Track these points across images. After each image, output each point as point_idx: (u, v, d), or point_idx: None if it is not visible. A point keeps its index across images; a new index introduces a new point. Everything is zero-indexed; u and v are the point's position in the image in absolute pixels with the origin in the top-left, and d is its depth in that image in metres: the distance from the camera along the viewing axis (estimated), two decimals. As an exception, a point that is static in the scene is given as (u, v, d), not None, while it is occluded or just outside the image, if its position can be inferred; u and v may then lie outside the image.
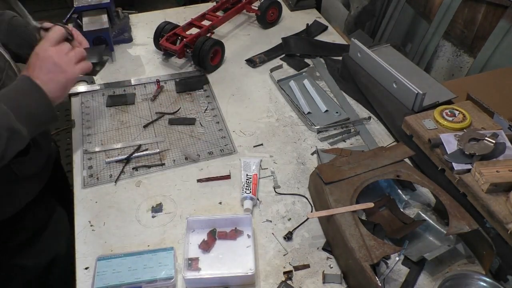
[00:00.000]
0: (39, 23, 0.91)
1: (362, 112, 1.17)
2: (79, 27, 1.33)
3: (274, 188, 0.96)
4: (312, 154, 1.05)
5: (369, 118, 1.14)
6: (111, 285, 0.75)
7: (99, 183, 0.96)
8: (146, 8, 1.73)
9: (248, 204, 0.90)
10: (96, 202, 0.92)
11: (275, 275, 0.80)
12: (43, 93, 0.78)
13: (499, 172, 0.78)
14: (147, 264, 0.78)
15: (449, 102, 1.03)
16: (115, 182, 0.97)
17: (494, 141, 0.84)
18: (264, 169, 1.01)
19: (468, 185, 0.81)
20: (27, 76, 0.78)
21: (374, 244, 0.73)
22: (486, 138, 0.85)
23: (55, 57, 0.81)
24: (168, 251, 0.81)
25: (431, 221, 0.86)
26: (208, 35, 1.33)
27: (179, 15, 1.58)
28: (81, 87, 1.23)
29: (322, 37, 1.48)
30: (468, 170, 0.83)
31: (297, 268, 0.80)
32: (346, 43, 1.45)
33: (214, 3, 1.48)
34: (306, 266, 0.81)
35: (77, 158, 1.03)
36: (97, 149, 1.04)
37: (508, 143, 0.86)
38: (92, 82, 1.25)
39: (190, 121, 1.12)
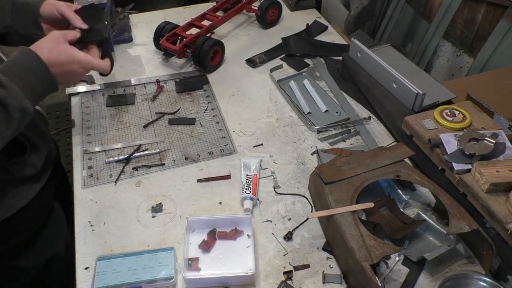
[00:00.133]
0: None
1: (362, 112, 1.17)
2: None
3: (274, 188, 0.96)
4: (312, 154, 1.05)
5: (369, 118, 1.14)
6: (111, 285, 0.75)
7: (99, 183, 0.96)
8: (146, 8, 1.73)
9: (248, 204, 0.90)
10: (96, 202, 0.93)
11: (275, 275, 0.80)
12: (48, 70, 0.80)
13: (499, 172, 0.78)
14: (147, 264, 0.78)
15: (449, 102, 1.03)
16: (115, 182, 0.97)
17: (494, 141, 0.84)
18: (264, 169, 1.01)
19: (468, 185, 0.81)
20: (32, 51, 0.79)
21: (374, 244, 0.73)
22: (486, 138, 0.85)
23: (74, 59, 0.84)
24: (168, 251, 0.81)
25: (431, 221, 0.86)
26: (208, 35, 1.33)
27: (179, 15, 1.58)
28: (81, 87, 1.23)
29: (322, 37, 1.48)
30: (468, 170, 0.83)
31: (297, 268, 0.80)
32: (346, 43, 1.45)
33: (214, 3, 1.48)
34: (306, 266, 0.81)
35: (77, 158, 1.03)
36: (97, 149, 1.04)
37: (508, 143, 0.86)
38: (92, 82, 1.25)
39: (190, 121, 1.12)
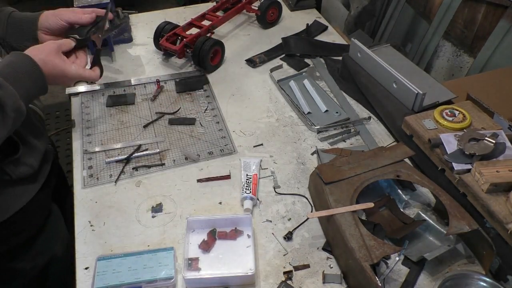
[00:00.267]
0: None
1: (362, 112, 1.17)
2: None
3: (274, 188, 0.96)
4: (312, 154, 1.05)
5: (369, 118, 1.14)
6: (111, 285, 0.75)
7: (99, 183, 0.96)
8: (146, 8, 1.73)
9: (248, 204, 0.90)
10: (96, 202, 0.93)
11: (275, 275, 0.80)
12: (42, 73, 0.83)
13: (499, 172, 0.78)
14: (147, 264, 0.78)
15: (449, 102, 1.03)
16: (115, 182, 0.97)
17: (494, 141, 0.84)
18: (264, 169, 1.01)
19: (468, 185, 0.81)
20: (27, 55, 0.82)
21: (374, 244, 0.73)
22: (486, 138, 0.85)
23: (65, 73, 0.90)
24: (168, 251, 0.81)
25: (431, 221, 0.86)
26: (208, 35, 1.33)
27: (179, 15, 1.58)
28: (81, 87, 1.22)
29: (322, 37, 1.48)
30: (468, 170, 0.83)
31: (297, 268, 0.80)
32: (346, 43, 1.45)
33: (214, 3, 1.47)
34: (306, 266, 0.81)
35: (77, 158, 1.03)
36: (97, 149, 1.04)
37: (508, 143, 0.86)
38: (92, 82, 1.25)
39: (190, 121, 1.12)
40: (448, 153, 0.86)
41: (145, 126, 1.11)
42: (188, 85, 1.25)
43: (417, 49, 1.59)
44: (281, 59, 1.38)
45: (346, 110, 1.16)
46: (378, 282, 0.68)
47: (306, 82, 1.26)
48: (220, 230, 0.85)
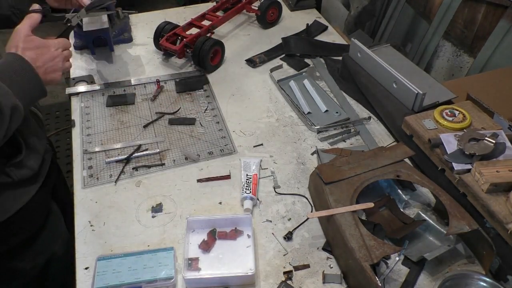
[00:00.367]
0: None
1: (362, 112, 1.17)
2: (79, 27, 1.33)
3: (274, 188, 0.96)
4: (312, 154, 1.05)
5: (369, 118, 1.14)
6: (111, 285, 0.75)
7: (99, 183, 0.96)
8: (146, 8, 1.73)
9: (248, 204, 0.90)
10: (96, 202, 0.92)
11: (275, 275, 0.80)
12: (34, 71, 0.81)
13: (499, 172, 0.78)
14: (147, 264, 0.78)
15: (449, 102, 1.03)
16: (115, 182, 0.97)
17: (494, 141, 0.84)
18: (264, 169, 1.01)
19: (468, 185, 0.81)
20: (18, 54, 0.81)
21: (374, 244, 0.73)
22: (486, 138, 0.85)
23: (56, 54, 0.88)
24: (168, 251, 0.81)
25: (431, 221, 0.86)
26: (208, 35, 1.33)
27: (179, 15, 1.58)
28: (81, 87, 1.23)
29: (322, 37, 1.48)
30: (468, 170, 0.83)
31: (297, 268, 0.80)
32: (346, 43, 1.45)
33: (214, 3, 1.48)
34: (306, 266, 0.81)
35: (77, 158, 1.03)
36: (97, 149, 1.04)
37: (508, 143, 0.86)
38: (92, 82, 1.25)
39: (190, 121, 1.12)
40: (448, 153, 0.86)
41: (145, 126, 1.11)
42: (188, 85, 1.25)
43: (417, 49, 1.59)
44: (281, 59, 1.38)
45: (346, 110, 1.16)
46: (378, 282, 0.68)
47: (306, 82, 1.26)
48: (220, 230, 0.85)
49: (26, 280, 1.00)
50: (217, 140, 1.08)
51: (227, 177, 0.98)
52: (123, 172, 0.99)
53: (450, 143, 0.88)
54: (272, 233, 0.87)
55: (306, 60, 1.37)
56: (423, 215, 0.88)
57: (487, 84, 1.13)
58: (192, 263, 0.80)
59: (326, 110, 1.16)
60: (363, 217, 0.87)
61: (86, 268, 0.80)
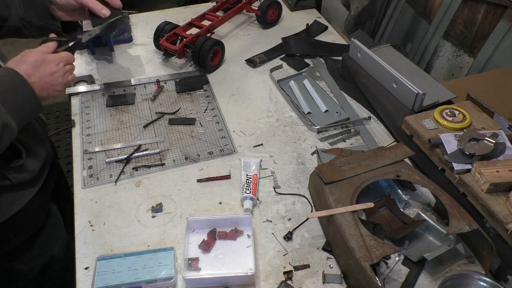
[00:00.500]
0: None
1: (362, 112, 1.17)
2: (78, 27, 1.33)
3: (274, 188, 0.96)
4: (312, 154, 1.05)
5: (369, 118, 1.14)
6: (111, 285, 0.75)
7: (99, 183, 0.96)
8: (146, 8, 1.73)
9: (248, 204, 0.90)
10: (96, 202, 0.92)
11: (275, 275, 0.80)
12: (29, 85, 0.80)
13: (499, 172, 0.78)
14: (147, 264, 0.78)
15: (449, 102, 1.03)
16: (115, 182, 0.97)
17: (494, 141, 0.84)
18: (264, 169, 1.01)
19: (468, 185, 0.81)
20: (12, 69, 0.79)
21: (374, 244, 0.73)
22: (486, 138, 0.85)
23: (55, 69, 0.86)
24: (168, 251, 0.81)
25: (431, 221, 0.86)
26: (208, 35, 1.33)
27: (179, 15, 1.58)
28: (81, 87, 1.23)
29: (322, 37, 1.48)
30: (468, 170, 0.83)
31: (297, 268, 0.80)
32: (346, 43, 1.45)
33: (214, 3, 1.48)
34: (306, 266, 0.81)
35: (77, 158, 1.03)
36: (97, 149, 1.04)
37: (508, 143, 0.86)
38: (92, 82, 1.25)
39: (190, 121, 1.12)
40: (448, 153, 0.86)
41: (145, 126, 1.11)
42: (188, 85, 1.25)
43: (417, 49, 1.59)
44: (281, 59, 1.38)
45: (346, 110, 1.16)
46: (378, 282, 0.68)
47: (306, 82, 1.26)
48: (220, 230, 0.85)
49: (24, 282, 1.00)
50: (217, 140, 1.08)
51: (227, 177, 0.98)
52: (123, 172, 0.99)
53: (450, 143, 0.88)
54: (272, 233, 0.87)
55: (306, 60, 1.37)
56: (423, 215, 0.88)
57: (487, 84, 1.13)
58: (192, 263, 0.80)
59: (326, 110, 1.16)
60: (363, 217, 0.87)
61: (86, 268, 0.80)
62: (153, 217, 0.90)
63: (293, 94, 1.22)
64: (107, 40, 1.30)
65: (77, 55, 1.37)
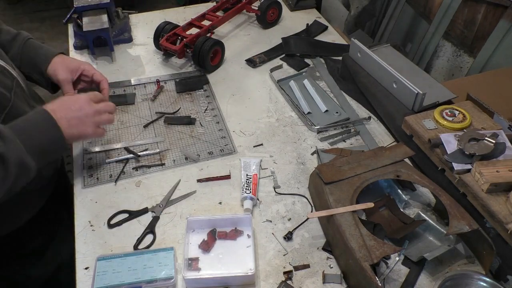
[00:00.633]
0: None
1: (362, 112, 1.17)
2: (79, 27, 1.33)
3: (274, 188, 0.96)
4: (312, 154, 1.05)
5: (369, 118, 1.14)
6: (111, 285, 0.75)
7: (99, 183, 0.96)
8: (146, 8, 1.73)
9: (248, 204, 0.90)
10: (96, 202, 0.92)
11: (275, 275, 0.80)
12: (59, 129, 0.77)
13: (499, 172, 0.78)
14: (147, 264, 0.78)
15: (449, 102, 1.03)
16: (115, 182, 0.97)
17: (494, 141, 0.84)
18: (264, 169, 1.01)
19: (468, 185, 0.81)
20: (45, 110, 0.77)
21: (374, 244, 0.73)
22: (486, 138, 0.85)
23: (83, 105, 0.83)
24: (168, 251, 0.81)
25: (431, 221, 0.86)
26: (208, 35, 1.33)
27: (179, 15, 1.58)
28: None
29: (322, 37, 1.48)
30: (468, 170, 0.83)
31: (297, 268, 0.80)
32: (346, 43, 1.45)
33: (214, 3, 1.48)
34: (306, 266, 0.81)
35: (77, 158, 1.02)
36: (97, 149, 1.04)
37: (508, 143, 0.86)
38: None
39: (190, 121, 1.12)
40: (448, 153, 0.86)
41: (145, 126, 1.11)
42: (188, 85, 1.25)
43: (417, 49, 1.59)
44: (281, 59, 1.38)
45: (346, 110, 1.16)
46: (378, 282, 0.68)
47: (306, 82, 1.26)
48: (220, 230, 0.85)
49: (35, 287, 1.00)
50: (217, 140, 1.08)
51: (227, 177, 0.98)
52: (123, 172, 0.99)
53: (450, 143, 0.88)
54: (272, 233, 0.87)
55: (306, 60, 1.37)
56: (423, 215, 0.88)
57: (487, 84, 1.13)
58: (192, 263, 0.80)
59: (326, 110, 1.16)
60: (363, 217, 0.87)
61: (86, 268, 0.80)
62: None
63: (293, 94, 1.22)
64: (107, 40, 1.30)
65: (77, 55, 1.37)
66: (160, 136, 1.08)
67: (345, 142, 1.08)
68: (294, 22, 1.57)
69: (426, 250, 0.80)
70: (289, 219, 0.90)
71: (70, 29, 1.46)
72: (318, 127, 1.10)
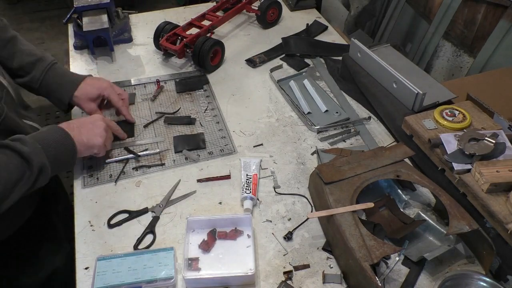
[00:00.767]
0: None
1: (362, 112, 1.17)
2: (79, 27, 1.33)
3: (274, 188, 0.96)
4: (312, 154, 1.05)
5: (369, 118, 1.14)
6: (111, 285, 0.75)
7: (99, 183, 0.96)
8: (146, 8, 1.73)
9: (248, 204, 0.90)
10: (96, 202, 0.92)
11: (275, 275, 0.80)
12: (75, 148, 0.86)
13: (499, 172, 0.78)
14: (147, 264, 0.78)
15: (449, 102, 1.03)
16: (115, 182, 0.97)
17: (494, 141, 0.84)
18: (264, 169, 1.01)
19: (468, 185, 0.81)
20: (63, 129, 0.85)
21: (374, 244, 0.73)
22: (486, 138, 0.85)
23: (96, 118, 0.94)
24: (168, 251, 0.81)
25: (431, 221, 0.86)
26: (208, 35, 1.33)
27: (179, 15, 1.58)
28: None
29: (322, 37, 1.48)
30: (468, 170, 0.83)
31: (297, 268, 0.80)
32: (346, 43, 1.45)
33: (214, 3, 1.48)
34: (306, 266, 0.81)
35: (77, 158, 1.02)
36: (97, 149, 1.04)
37: (508, 143, 0.86)
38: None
39: (190, 121, 1.12)
40: (448, 153, 0.86)
41: (145, 126, 1.11)
42: (188, 85, 1.25)
43: (417, 49, 1.59)
44: (281, 59, 1.38)
45: (346, 110, 1.16)
46: (378, 282, 0.68)
47: (306, 82, 1.26)
48: (220, 230, 0.85)
49: None
50: (217, 140, 1.08)
51: (227, 177, 0.98)
52: (123, 172, 0.99)
53: (450, 143, 0.88)
54: (272, 233, 0.87)
55: (306, 60, 1.37)
56: (423, 215, 0.88)
57: (487, 84, 1.13)
58: (192, 263, 0.80)
59: (326, 110, 1.16)
60: (363, 217, 0.87)
61: (86, 268, 0.80)
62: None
63: (293, 94, 1.22)
64: (107, 40, 1.30)
65: (77, 55, 1.37)
66: (160, 136, 1.08)
67: (345, 142, 1.08)
68: (294, 22, 1.57)
69: (426, 250, 0.80)
70: (289, 219, 0.90)
71: (70, 29, 1.46)
72: (318, 127, 1.10)
